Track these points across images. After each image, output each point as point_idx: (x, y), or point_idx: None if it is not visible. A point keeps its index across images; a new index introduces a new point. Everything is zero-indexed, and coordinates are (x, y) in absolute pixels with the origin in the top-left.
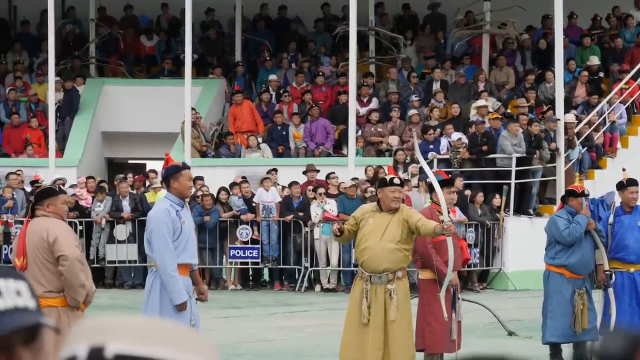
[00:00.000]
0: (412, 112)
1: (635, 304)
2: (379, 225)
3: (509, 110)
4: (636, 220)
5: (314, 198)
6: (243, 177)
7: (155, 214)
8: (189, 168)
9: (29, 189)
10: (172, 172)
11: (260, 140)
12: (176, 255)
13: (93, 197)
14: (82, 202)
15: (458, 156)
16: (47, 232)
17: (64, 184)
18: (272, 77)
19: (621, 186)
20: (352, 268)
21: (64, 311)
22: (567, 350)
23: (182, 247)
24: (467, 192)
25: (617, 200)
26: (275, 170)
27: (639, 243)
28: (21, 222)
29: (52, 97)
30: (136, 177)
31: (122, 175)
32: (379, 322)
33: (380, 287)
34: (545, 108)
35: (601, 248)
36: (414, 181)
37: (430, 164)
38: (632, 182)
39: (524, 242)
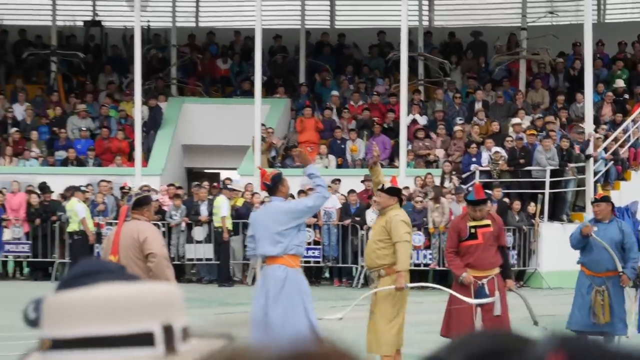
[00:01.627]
0: (456, 128)
1: None
2: (375, 225)
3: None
4: None
5: (370, 205)
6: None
7: (273, 209)
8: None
9: (118, 194)
10: (279, 179)
11: (326, 151)
12: None
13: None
14: (164, 207)
15: (497, 168)
16: (138, 233)
17: (148, 191)
18: (334, 92)
19: None
20: None
21: None
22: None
23: None
24: (506, 200)
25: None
26: (338, 180)
27: None
28: (111, 224)
29: (138, 113)
30: (212, 184)
31: (197, 183)
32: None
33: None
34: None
35: (609, 251)
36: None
37: (472, 175)
38: None
39: (557, 245)
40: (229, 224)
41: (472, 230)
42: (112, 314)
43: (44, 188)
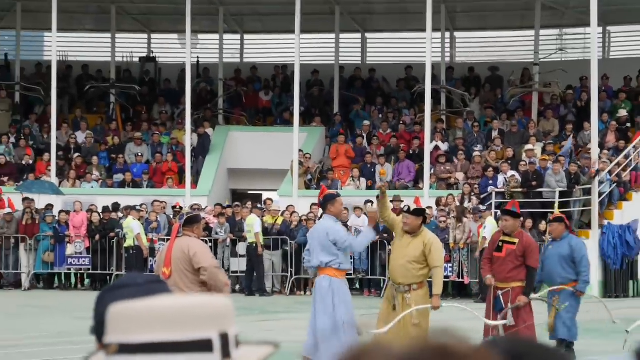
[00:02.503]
0: (475, 154)
1: None
2: (402, 244)
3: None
4: None
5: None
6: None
7: (322, 227)
8: (340, 196)
9: (170, 213)
10: (329, 199)
11: (358, 174)
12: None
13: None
14: (211, 225)
15: (512, 189)
16: (189, 248)
17: (198, 209)
18: (365, 122)
19: None
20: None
21: None
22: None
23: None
24: (520, 219)
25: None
26: (371, 202)
27: None
28: (163, 240)
29: (188, 140)
30: (254, 204)
31: (237, 204)
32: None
33: (399, 295)
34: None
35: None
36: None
37: (489, 196)
38: None
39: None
40: (261, 240)
41: (500, 244)
42: (175, 323)
43: (105, 208)
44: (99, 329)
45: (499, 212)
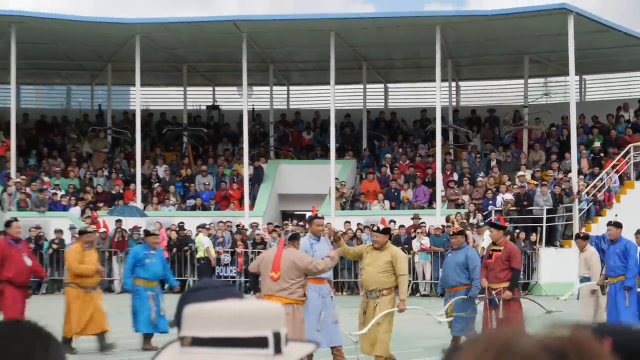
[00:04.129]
0: (478, 179)
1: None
2: (372, 258)
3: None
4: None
5: (415, 236)
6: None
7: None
8: (321, 217)
9: (234, 230)
10: (310, 220)
11: (382, 198)
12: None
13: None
14: (265, 239)
15: (507, 208)
16: (295, 258)
17: (255, 227)
18: (388, 155)
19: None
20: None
21: (297, 307)
22: None
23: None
24: (515, 232)
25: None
26: (394, 221)
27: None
28: (228, 252)
29: (246, 171)
30: (298, 222)
31: (286, 222)
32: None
33: (370, 301)
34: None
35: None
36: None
37: (489, 213)
38: (617, 224)
39: (552, 263)
40: None
41: (490, 253)
42: (238, 322)
43: (180, 227)
44: (179, 323)
45: None
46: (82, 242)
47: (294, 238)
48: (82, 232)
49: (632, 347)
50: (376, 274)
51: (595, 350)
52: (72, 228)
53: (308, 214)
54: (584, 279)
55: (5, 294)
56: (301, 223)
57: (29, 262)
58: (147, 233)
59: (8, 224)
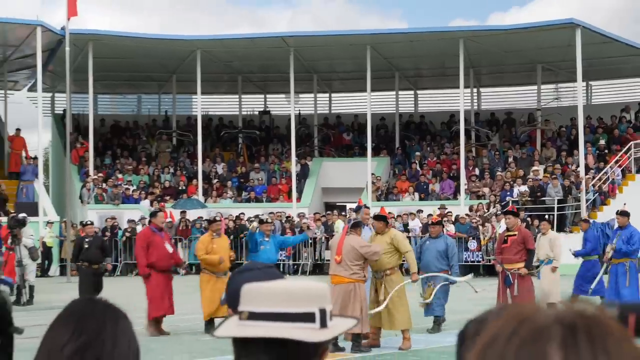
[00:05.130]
0: (497, 174)
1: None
2: (376, 243)
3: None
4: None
5: (442, 224)
6: (405, 213)
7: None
8: (367, 207)
9: (283, 220)
10: (357, 209)
11: (413, 190)
12: None
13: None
14: (311, 227)
15: (523, 199)
16: (355, 243)
17: (303, 216)
18: (418, 153)
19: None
20: (464, 263)
21: (357, 285)
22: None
23: None
24: (529, 220)
25: (616, 223)
26: (421, 210)
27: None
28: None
29: (293, 168)
30: (340, 213)
31: (329, 212)
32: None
33: (377, 281)
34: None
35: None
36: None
37: (507, 204)
38: (624, 213)
39: (562, 247)
40: None
41: (505, 238)
42: (289, 300)
43: (237, 217)
44: (230, 301)
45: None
46: (211, 231)
47: (356, 226)
48: (210, 221)
49: None
50: (380, 256)
51: (604, 323)
52: (142, 218)
53: (348, 205)
54: (549, 260)
55: (150, 278)
56: (343, 213)
57: (170, 249)
58: (261, 221)
59: (154, 214)
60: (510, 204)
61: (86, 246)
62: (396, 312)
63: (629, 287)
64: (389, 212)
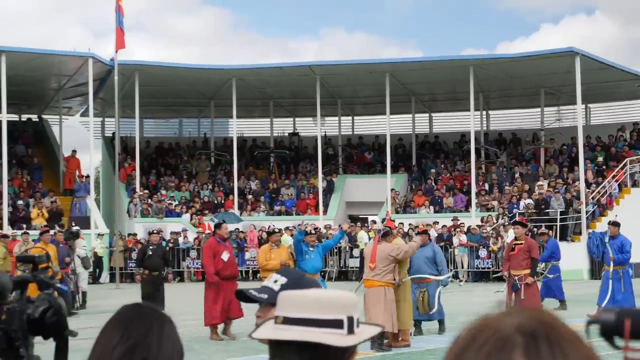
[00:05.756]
0: (505, 188)
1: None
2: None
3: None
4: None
5: (455, 234)
6: (420, 224)
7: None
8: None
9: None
10: (382, 220)
11: (428, 204)
12: None
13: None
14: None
15: (529, 211)
16: (391, 251)
17: (329, 227)
18: (432, 170)
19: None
20: (475, 270)
21: (387, 288)
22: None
23: None
24: (534, 229)
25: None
26: (437, 222)
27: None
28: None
29: (320, 184)
30: (357, 224)
31: (352, 224)
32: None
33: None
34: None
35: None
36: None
37: (514, 215)
38: (615, 223)
39: (564, 254)
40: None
41: (513, 246)
42: (320, 307)
43: (269, 228)
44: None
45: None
46: (270, 242)
47: (386, 235)
48: (269, 233)
49: None
50: (412, 251)
51: (560, 328)
52: (184, 230)
53: (370, 217)
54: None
55: (212, 285)
56: (365, 224)
57: (232, 258)
58: (305, 233)
59: (218, 226)
60: (518, 216)
61: (150, 253)
62: (400, 313)
63: (624, 292)
64: (410, 224)
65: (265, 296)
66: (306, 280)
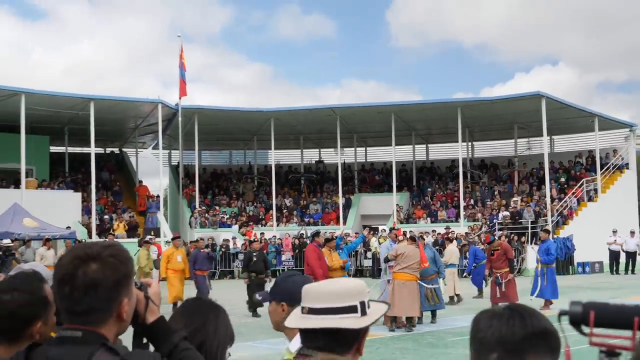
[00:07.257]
0: (487, 203)
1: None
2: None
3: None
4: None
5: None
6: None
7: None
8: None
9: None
10: (390, 230)
11: (425, 216)
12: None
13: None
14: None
15: (506, 221)
16: (413, 252)
17: (348, 235)
18: (429, 189)
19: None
20: (462, 268)
21: (417, 281)
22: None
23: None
24: (511, 236)
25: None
26: (434, 230)
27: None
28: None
29: (340, 201)
30: (374, 232)
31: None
32: None
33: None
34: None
35: None
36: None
37: (494, 225)
38: (546, 230)
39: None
40: (378, 250)
41: (492, 252)
42: (338, 296)
43: (300, 235)
44: (275, 296)
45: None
46: (328, 247)
47: (415, 239)
48: (327, 240)
49: (608, 318)
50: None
51: (530, 310)
52: (234, 238)
53: (381, 227)
54: (451, 265)
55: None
56: (376, 232)
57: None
58: (328, 240)
59: (317, 233)
60: (497, 227)
61: (254, 259)
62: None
63: (547, 285)
64: (410, 231)
65: (260, 298)
66: (293, 278)
